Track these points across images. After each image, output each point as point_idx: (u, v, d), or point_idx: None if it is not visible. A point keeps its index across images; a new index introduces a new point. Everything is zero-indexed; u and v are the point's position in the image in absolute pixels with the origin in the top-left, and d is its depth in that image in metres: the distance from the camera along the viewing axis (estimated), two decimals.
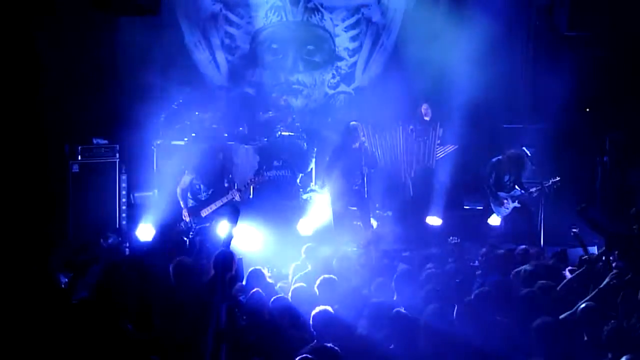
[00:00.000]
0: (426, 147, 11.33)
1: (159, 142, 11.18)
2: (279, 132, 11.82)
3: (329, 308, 5.98)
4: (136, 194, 10.71)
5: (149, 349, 5.54)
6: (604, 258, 7.30)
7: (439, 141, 11.41)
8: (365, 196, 10.15)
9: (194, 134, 11.38)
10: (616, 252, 7.63)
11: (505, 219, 10.44)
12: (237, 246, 8.76)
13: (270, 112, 12.00)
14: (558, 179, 10.16)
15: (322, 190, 11.51)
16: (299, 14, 12.81)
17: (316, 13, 12.87)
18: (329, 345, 5.51)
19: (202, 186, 9.20)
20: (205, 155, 9.25)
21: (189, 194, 9.27)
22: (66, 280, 7.11)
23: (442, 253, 8.35)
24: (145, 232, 10.14)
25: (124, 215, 10.43)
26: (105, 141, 10.39)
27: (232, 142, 11.51)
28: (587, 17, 11.05)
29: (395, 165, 11.26)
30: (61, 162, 10.23)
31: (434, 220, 10.83)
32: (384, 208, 11.33)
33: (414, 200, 11.16)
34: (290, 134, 11.91)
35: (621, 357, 5.17)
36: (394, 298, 6.77)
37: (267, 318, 6.12)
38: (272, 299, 6.50)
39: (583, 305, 6.09)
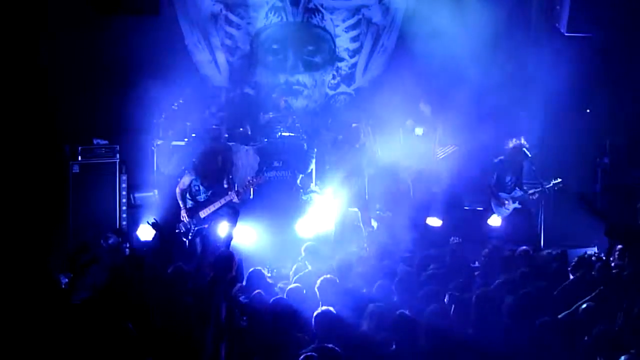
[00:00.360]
0: (427, 147, 11.34)
1: (159, 143, 11.18)
2: (279, 133, 11.82)
3: (331, 309, 5.98)
4: (136, 195, 10.71)
5: (147, 349, 5.53)
6: (603, 257, 7.30)
7: (439, 142, 11.41)
8: (366, 197, 10.16)
9: (194, 135, 11.39)
10: (616, 253, 7.64)
11: (505, 220, 10.44)
12: (237, 247, 8.78)
13: (271, 113, 12.00)
14: (560, 180, 10.17)
15: (322, 191, 11.53)
16: (300, 15, 12.80)
17: (316, 13, 12.87)
18: (329, 345, 5.52)
19: (201, 187, 9.19)
20: (204, 157, 9.23)
21: (188, 195, 9.26)
22: (66, 280, 7.11)
23: (443, 254, 8.34)
24: (146, 232, 10.14)
25: (124, 215, 10.43)
26: (106, 142, 10.39)
27: (232, 143, 11.50)
28: (587, 17, 11.06)
29: (395, 166, 11.25)
30: (61, 163, 10.23)
31: (434, 221, 10.84)
32: (384, 209, 11.32)
33: (414, 200, 11.16)
34: (291, 134, 11.91)
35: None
36: (395, 299, 6.76)
37: (268, 319, 6.11)
38: (272, 300, 6.50)
39: (584, 305, 6.10)
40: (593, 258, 7.80)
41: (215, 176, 9.19)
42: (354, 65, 13.23)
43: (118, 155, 10.36)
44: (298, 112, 12.72)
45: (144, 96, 10.57)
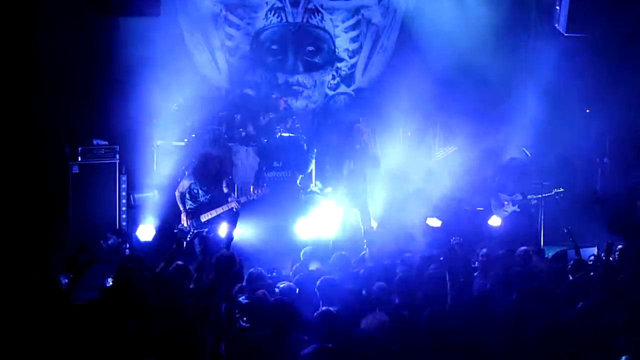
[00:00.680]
0: (426, 148, 11.35)
1: (159, 143, 11.18)
2: (279, 133, 11.82)
3: (332, 309, 5.99)
4: (136, 195, 10.71)
5: (148, 349, 5.53)
6: (603, 257, 7.29)
7: (439, 142, 11.42)
8: (367, 197, 10.16)
9: (194, 135, 11.39)
10: (616, 253, 7.64)
11: (505, 220, 10.45)
12: (237, 247, 8.79)
13: (271, 114, 12.00)
14: (562, 190, 10.18)
15: (322, 192, 11.53)
16: (299, 15, 12.80)
17: (316, 14, 12.87)
18: (330, 345, 5.52)
19: (200, 191, 9.19)
20: (201, 163, 9.22)
21: (188, 196, 9.25)
22: (66, 281, 7.11)
23: (442, 254, 8.33)
24: (145, 232, 10.15)
25: (123, 216, 10.43)
26: (105, 142, 10.40)
27: (232, 144, 11.50)
28: (586, 17, 11.05)
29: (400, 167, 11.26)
30: (61, 163, 10.24)
31: (433, 222, 10.83)
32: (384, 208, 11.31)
33: (415, 201, 11.15)
34: (290, 134, 11.91)
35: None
36: (395, 300, 6.76)
37: (268, 319, 6.10)
38: (272, 300, 6.49)
39: (581, 305, 6.10)
40: (592, 258, 7.81)
41: (213, 181, 9.19)
42: (354, 65, 13.23)
43: (118, 156, 10.36)
44: (298, 112, 12.72)
45: (144, 97, 10.57)
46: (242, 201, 9.24)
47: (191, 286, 7.03)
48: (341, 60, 13.18)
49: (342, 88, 13.28)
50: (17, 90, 10.04)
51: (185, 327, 5.84)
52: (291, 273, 8.20)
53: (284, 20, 12.74)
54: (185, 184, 9.25)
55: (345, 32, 13.10)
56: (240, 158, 11.54)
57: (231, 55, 12.70)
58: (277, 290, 7.03)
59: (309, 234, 10.41)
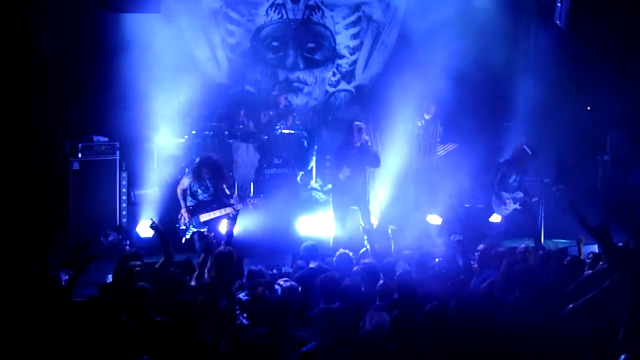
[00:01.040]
0: (427, 145, 11.33)
1: (159, 140, 11.16)
2: (279, 130, 11.81)
3: (331, 306, 5.98)
4: (136, 192, 10.71)
5: (145, 346, 5.54)
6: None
7: (439, 139, 11.41)
8: (367, 196, 10.15)
9: (194, 132, 11.38)
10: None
11: (506, 217, 10.45)
12: (237, 244, 8.79)
13: (271, 111, 12.00)
14: (561, 186, 10.16)
15: (322, 189, 11.53)
16: (300, 12, 12.80)
17: (317, 11, 12.86)
18: (330, 342, 5.52)
19: (199, 190, 9.20)
20: (200, 167, 9.23)
21: (188, 193, 9.26)
22: (67, 277, 7.12)
23: (443, 252, 8.33)
24: (146, 229, 10.14)
25: (124, 212, 10.43)
26: (106, 139, 10.39)
27: (232, 141, 11.50)
28: (587, 14, 11.04)
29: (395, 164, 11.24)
30: (61, 160, 10.23)
31: (434, 219, 10.83)
32: (386, 207, 11.30)
33: (415, 198, 11.15)
34: (291, 131, 11.90)
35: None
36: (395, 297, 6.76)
37: (268, 316, 6.11)
38: (274, 298, 6.49)
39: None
40: (590, 256, 7.80)
41: (212, 182, 9.20)
42: (354, 62, 13.22)
43: (118, 153, 10.36)
44: (298, 109, 12.71)
45: (144, 94, 10.56)
46: (239, 209, 9.25)
47: (192, 283, 7.04)
48: (342, 57, 13.18)
49: (343, 85, 13.27)
50: (17, 87, 10.03)
51: (185, 324, 5.83)
52: (291, 270, 8.20)
53: (285, 16, 12.73)
54: (185, 182, 9.27)
55: (345, 28, 13.09)
56: (241, 155, 11.53)
57: (231, 52, 12.70)
58: (277, 287, 7.03)
59: (310, 231, 10.41)
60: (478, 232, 10.08)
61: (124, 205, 10.44)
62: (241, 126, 11.74)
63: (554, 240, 10.53)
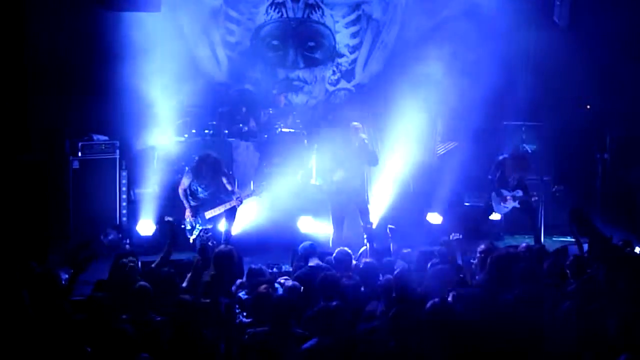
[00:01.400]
0: (427, 143, 11.34)
1: (159, 139, 11.16)
2: (279, 129, 11.81)
3: (331, 304, 5.98)
4: (136, 190, 10.71)
5: (144, 345, 5.54)
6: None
7: (439, 138, 11.41)
8: (367, 195, 10.15)
9: (194, 131, 11.38)
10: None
11: (505, 214, 10.46)
12: (236, 243, 8.80)
13: (271, 110, 12.00)
14: (561, 187, 10.17)
15: (322, 188, 11.51)
16: (300, 11, 12.79)
17: (317, 9, 12.86)
18: (329, 340, 5.53)
19: (199, 188, 9.20)
20: (199, 164, 9.23)
21: (188, 192, 9.26)
22: (67, 276, 7.12)
23: (443, 250, 8.33)
24: (146, 228, 10.15)
25: (124, 211, 10.44)
26: (106, 137, 10.40)
27: (232, 139, 11.50)
28: (587, 12, 11.05)
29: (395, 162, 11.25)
30: (61, 159, 10.24)
31: (434, 218, 10.83)
32: (385, 206, 11.31)
33: (415, 197, 11.16)
34: (291, 130, 11.90)
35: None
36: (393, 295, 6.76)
37: (269, 315, 6.11)
38: (274, 296, 6.49)
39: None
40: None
41: (211, 180, 9.19)
42: (354, 61, 13.21)
43: (118, 151, 10.37)
44: (298, 108, 12.71)
45: (144, 92, 10.56)
46: (244, 198, 9.26)
47: (184, 285, 7.04)
48: (341, 55, 13.17)
49: (343, 84, 13.27)
50: (17, 85, 10.04)
51: (184, 323, 5.83)
52: (292, 269, 8.21)
53: (285, 15, 12.73)
54: (185, 181, 9.26)
55: (345, 27, 13.08)
56: (240, 154, 11.54)
57: (231, 50, 12.69)
58: (277, 286, 7.03)
59: (309, 230, 10.41)
60: (478, 230, 10.10)
61: (124, 204, 10.45)
62: (241, 125, 11.75)
63: (554, 238, 10.56)
